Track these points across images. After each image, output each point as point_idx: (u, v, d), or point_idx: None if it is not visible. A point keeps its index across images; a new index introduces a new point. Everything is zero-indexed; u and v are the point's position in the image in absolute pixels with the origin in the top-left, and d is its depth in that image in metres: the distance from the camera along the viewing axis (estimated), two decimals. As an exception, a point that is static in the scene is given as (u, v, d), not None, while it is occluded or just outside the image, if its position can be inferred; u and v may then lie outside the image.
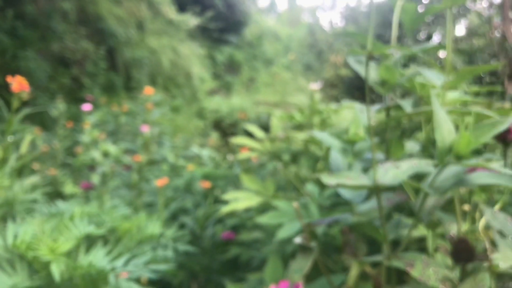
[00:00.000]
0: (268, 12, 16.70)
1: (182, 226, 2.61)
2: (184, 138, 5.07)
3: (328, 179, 0.59)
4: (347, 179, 0.60)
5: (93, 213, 0.99)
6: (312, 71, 11.11)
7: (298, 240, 0.75)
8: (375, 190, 0.62)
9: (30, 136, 1.37)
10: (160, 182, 2.33)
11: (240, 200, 1.68)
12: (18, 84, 1.06)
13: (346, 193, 0.75)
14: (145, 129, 2.76)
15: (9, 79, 1.06)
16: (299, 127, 2.08)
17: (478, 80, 2.85)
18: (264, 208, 1.95)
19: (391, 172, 0.62)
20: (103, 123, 4.27)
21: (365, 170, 0.83)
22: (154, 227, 1.06)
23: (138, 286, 0.76)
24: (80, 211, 0.97)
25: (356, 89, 10.73)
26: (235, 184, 2.92)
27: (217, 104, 6.90)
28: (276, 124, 1.87)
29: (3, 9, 5.34)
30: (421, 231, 0.88)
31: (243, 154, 1.79)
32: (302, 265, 0.72)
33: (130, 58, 6.46)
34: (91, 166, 2.83)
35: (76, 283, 0.73)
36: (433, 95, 0.59)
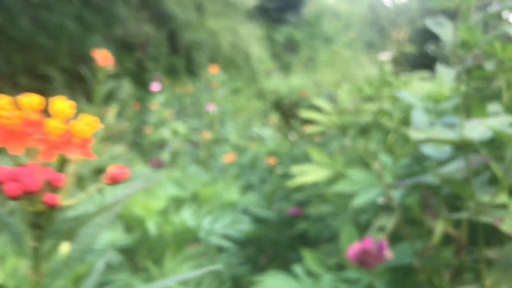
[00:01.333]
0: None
1: (248, 202, 2.66)
2: (245, 119, 5.13)
3: (416, 134, 0.59)
4: (434, 133, 0.60)
5: (178, 179, 1.05)
6: (374, 48, 10.79)
7: (380, 200, 0.75)
8: (463, 145, 0.60)
9: (115, 106, 1.45)
10: (228, 158, 2.38)
11: (309, 173, 1.70)
12: (102, 58, 1.12)
13: (430, 151, 0.73)
14: (211, 108, 2.83)
15: (94, 52, 1.13)
16: (368, 100, 2.04)
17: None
18: (332, 182, 1.95)
19: (479, 128, 0.60)
20: (167, 104, 4.41)
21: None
22: (232, 194, 1.11)
23: (227, 242, 0.80)
24: (167, 176, 1.03)
25: (421, 66, 10.31)
26: (299, 161, 2.93)
27: (276, 84, 6.90)
28: (344, 97, 1.86)
29: (71, -3, 5.61)
30: (502, 198, 0.85)
31: (311, 128, 1.80)
32: (385, 223, 0.72)
33: (190, 41, 6.58)
34: (160, 145, 2.94)
35: (167, 238, 0.78)
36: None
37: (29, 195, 0.36)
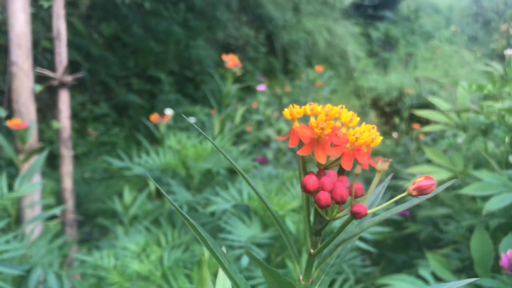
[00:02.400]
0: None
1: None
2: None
3: None
4: None
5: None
6: (478, 42, 10.08)
7: (535, 206, 0.70)
8: None
9: (243, 108, 1.52)
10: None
11: (429, 175, 1.64)
12: (232, 61, 1.18)
13: None
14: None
15: (224, 56, 1.19)
16: (488, 98, 1.93)
17: None
18: (448, 185, 1.87)
19: None
20: (268, 104, 4.51)
21: None
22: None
23: (363, 243, 0.81)
24: (291, 174, 1.06)
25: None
26: (405, 161, 2.84)
27: (374, 82, 6.73)
28: (463, 94, 1.77)
29: (176, 3, 5.94)
30: None
31: (429, 128, 1.73)
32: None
33: (287, 41, 6.65)
34: (265, 143, 3.02)
35: (301, 236, 0.81)
36: None
37: (339, 203, 0.38)
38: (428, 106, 6.76)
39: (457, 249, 1.68)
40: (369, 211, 0.40)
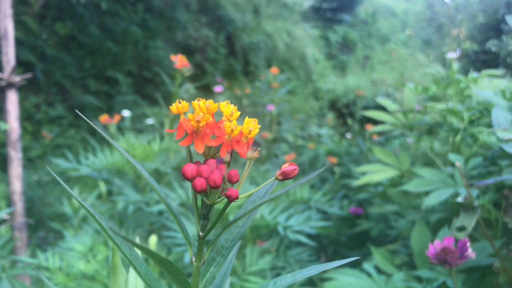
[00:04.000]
0: (382, -13, 15.98)
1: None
2: (301, 119, 5.14)
3: (503, 134, 0.59)
4: (525, 132, 0.60)
5: (252, 175, 1.09)
6: (431, 46, 10.46)
7: (460, 199, 0.75)
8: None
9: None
10: (288, 157, 2.42)
11: (375, 173, 1.70)
12: (180, 61, 1.19)
13: (513, 150, 0.73)
14: (271, 108, 2.87)
15: (172, 57, 1.20)
16: (433, 99, 2.01)
17: None
18: (395, 182, 1.94)
19: None
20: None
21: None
22: (302, 192, 1.13)
23: (303, 237, 0.83)
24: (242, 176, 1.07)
25: (482, 63, 9.86)
26: (358, 161, 2.92)
27: (332, 84, 6.86)
28: (409, 95, 1.84)
29: (134, 4, 5.86)
30: None
31: (377, 128, 1.80)
32: (465, 223, 0.72)
33: (247, 43, 6.68)
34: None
35: (247, 233, 0.82)
36: None
37: (213, 189, 0.42)
38: (384, 107, 6.96)
39: (405, 245, 1.75)
40: (241, 196, 0.44)
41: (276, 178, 0.45)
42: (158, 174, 1.11)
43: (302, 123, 5.04)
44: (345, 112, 6.63)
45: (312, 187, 2.73)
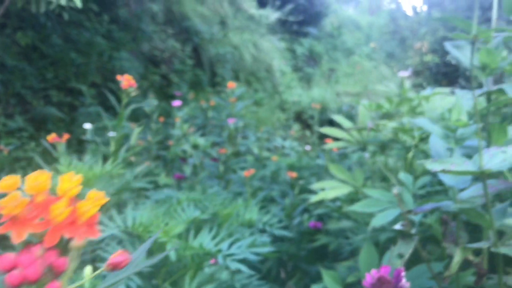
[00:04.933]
0: (348, 1, 16.35)
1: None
2: (267, 131, 5.16)
3: (432, 165, 0.60)
4: (451, 165, 0.60)
5: (197, 199, 1.07)
6: (395, 59, 10.73)
7: (398, 226, 0.75)
8: (481, 176, 0.61)
9: (138, 129, 1.50)
10: (247, 173, 2.41)
11: (329, 190, 1.71)
12: (126, 81, 1.17)
13: (449, 180, 0.74)
14: (231, 122, 2.86)
15: (119, 77, 1.17)
16: (387, 116, 2.05)
17: None
18: (352, 198, 1.96)
19: (498, 157, 0.61)
20: (192, 117, 4.48)
21: (467, 156, 0.82)
22: (251, 213, 1.12)
23: (244, 266, 0.82)
24: (186, 197, 1.05)
25: (443, 76, 10.19)
26: (319, 174, 2.94)
27: (298, 96, 6.92)
28: (364, 112, 1.86)
29: (100, 14, 5.77)
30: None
31: (331, 144, 1.81)
32: (403, 251, 0.73)
33: (214, 55, 6.67)
34: (183, 158, 2.99)
35: (186, 262, 0.80)
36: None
37: (30, 283, 0.35)
38: (348, 119, 7.06)
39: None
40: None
41: (106, 269, 0.40)
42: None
43: (268, 134, 5.05)
44: (310, 124, 6.70)
45: (273, 201, 2.73)
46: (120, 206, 1.11)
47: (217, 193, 1.20)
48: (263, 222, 1.15)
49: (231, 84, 2.77)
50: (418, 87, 9.64)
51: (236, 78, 7.13)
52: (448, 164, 0.60)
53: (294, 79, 7.67)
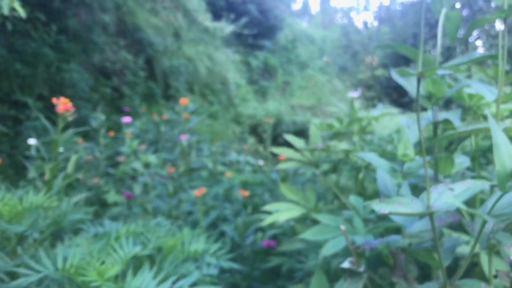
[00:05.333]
0: (302, 15, 16.66)
1: (222, 234, 2.62)
2: (222, 144, 5.10)
3: (379, 207, 0.57)
4: (399, 205, 0.58)
5: (138, 232, 1.00)
6: (347, 72, 10.99)
7: (346, 265, 0.72)
8: (429, 216, 0.59)
9: (76, 156, 1.40)
10: (198, 192, 2.35)
11: (281, 212, 1.67)
12: (63, 105, 1.09)
13: (397, 218, 0.72)
14: (184, 138, 2.79)
15: (55, 100, 1.09)
16: (338, 135, 2.05)
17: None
18: (305, 217, 1.93)
19: (445, 196, 0.59)
20: (144, 132, 4.36)
21: (415, 188, 0.80)
22: (198, 243, 1.06)
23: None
24: (125, 230, 0.98)
25: (393, 89, 10.53)
26: (272, 191, 2.91)
27: (253, 109, 6.92)
28: (315, 132, 1.85)
29: (47, 24, 5.54)
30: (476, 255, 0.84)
31: (284, 165, 1.78)
32: (351, 289, 0.70)
33: (168, 67, 6.57)
34: (133, 177, 2.89)
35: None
36: (489, 114, 0.56)
37: None
38: (302, 132, 7.12)
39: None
40: None
41: None
42: (24, 239, 0.96)
43: (223, 148, 4.99)
44: (265, 137, 6.70)
45: (225, 220, 2.67)
46: (55, 240, 1.02)
47: (160, 224, 1.13)
48: (210, 253, 1.09)
49: (184, 100, 2.70)
50: (369, 100, 9.92)
51: (191, 90, 7.05)
52: (395, 205, 0.58)
53: (249, 91, 7.68)
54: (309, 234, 1.13)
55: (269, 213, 2.31)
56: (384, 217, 1.27)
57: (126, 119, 2.94)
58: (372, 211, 1.30)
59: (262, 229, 2.51)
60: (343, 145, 1.53)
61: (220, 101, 7.21)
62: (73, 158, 1.36)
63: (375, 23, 12.25)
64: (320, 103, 7.64)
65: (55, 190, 1.07)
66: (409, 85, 0.82)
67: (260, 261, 2.36)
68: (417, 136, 0.80)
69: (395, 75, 0.85)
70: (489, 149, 1.08)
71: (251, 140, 6.29)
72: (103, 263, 0.80)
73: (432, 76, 0.82)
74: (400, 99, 9.97)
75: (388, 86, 10.43)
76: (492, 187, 0.80)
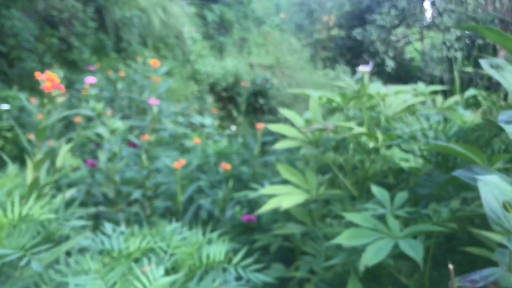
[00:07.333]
0: (256, -33, 16.05)
1: (199, 208, 2.47)
2: (183, 105, 4.85)
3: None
4: None
5: (151, 248, 0.82)
6: (304, 31, 10.81)
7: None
8: None
9: (67, 146, 1.17)
10: (177, 164, 2.16)
11: (281, 195, 1.54)
12: (50, 81, 0.86)
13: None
14: (153, 103, 2.55)
15: (37, 74, 0.86)
16: (336, 110, 1.92)
17: None
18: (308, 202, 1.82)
19: None
20: (99, 90, 4.03)
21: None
22: (218, 253, 0.90)
23: None
24: (137, 246, 0.80)
25: (347, 49, 10.50)
26: (249, 162, 2.77)
27: (211, 66, 6.64)
28: (316, 109, 1.71)
29: (-18, -37, 4.90)
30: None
31: (283, 144, 1.63)
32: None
33: (119, 18, 6.10)
34: (97, 143, 2.64)
35: None
36: None
37: None
38: (262, 93, 6.95)
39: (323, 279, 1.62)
40: None
41: None
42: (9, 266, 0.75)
43: (183, 109, 4.74)
44: (224, 96, 6.48)
45: (200, 191, 2.52)
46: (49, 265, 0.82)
47: (175, 231, 0.95)
48: (233, 264, 0.93)
49: (155, 62, 2.45)
50: (325, 60, 9.84)
51: (144, 44, 6.64)
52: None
53: (205, 47, 7.34)
54: (344, 238, 1.01)
55: (253, 188, 2.18)
56: (415, 214, 1.17)
57: (90, 80, 2.64)
58: (399, 208, 1.19)
59: (240, 202, 2.38)
60: (357, 129, 1.40)
61: (175, 57, 6.86)
62: (63, 148, 1.12)
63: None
64: (278, 62, 7.46)
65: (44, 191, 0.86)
66: (504, 79, 0.69)
67: (239, 235, 2.25)
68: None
69: (485, 65, 0.72)
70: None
71: (210, 99, 6.07)
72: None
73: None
74: (353, 60, 9.96)
75: (343, 46, 10.39)
76: None
